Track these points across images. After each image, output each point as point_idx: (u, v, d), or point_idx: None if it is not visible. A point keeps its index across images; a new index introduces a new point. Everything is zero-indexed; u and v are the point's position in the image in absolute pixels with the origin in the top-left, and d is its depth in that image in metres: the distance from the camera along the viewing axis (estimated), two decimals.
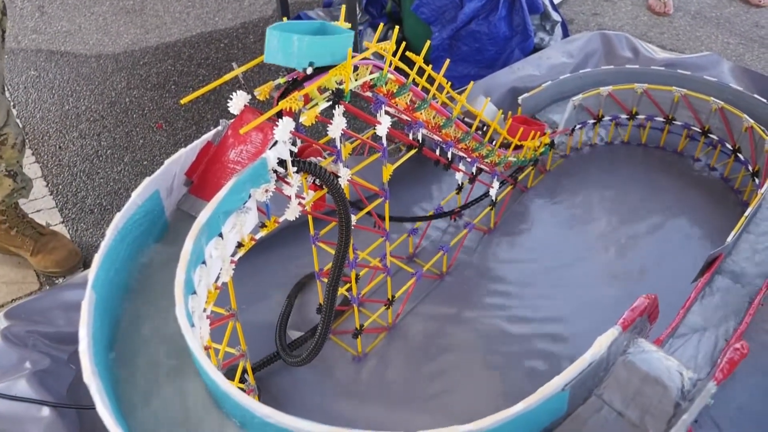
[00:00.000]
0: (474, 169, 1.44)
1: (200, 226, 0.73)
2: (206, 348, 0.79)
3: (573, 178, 1.74)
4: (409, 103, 1.08)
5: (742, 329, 1.16)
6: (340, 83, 0.86)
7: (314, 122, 0.82)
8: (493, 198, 1.52)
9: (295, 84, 0.83)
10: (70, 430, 1.06)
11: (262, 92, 0.87)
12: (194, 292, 0.74)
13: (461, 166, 1.42)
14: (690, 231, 1.57)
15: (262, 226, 0.88)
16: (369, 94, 0.98)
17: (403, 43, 1.01)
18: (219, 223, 0.78)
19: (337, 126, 0.89)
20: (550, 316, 1.37)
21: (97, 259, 0.74)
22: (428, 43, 1.16)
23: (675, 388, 0.87)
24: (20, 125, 1.53)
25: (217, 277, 0.82)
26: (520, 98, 1.72)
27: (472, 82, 1.37)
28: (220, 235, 0.79)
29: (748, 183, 1.59)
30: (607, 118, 1.78)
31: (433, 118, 1.17)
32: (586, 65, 1.98)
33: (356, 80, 0.90)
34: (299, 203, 0.89)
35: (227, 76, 0.83)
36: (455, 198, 1.52)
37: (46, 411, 1.06)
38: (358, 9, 2.36)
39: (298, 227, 1.35)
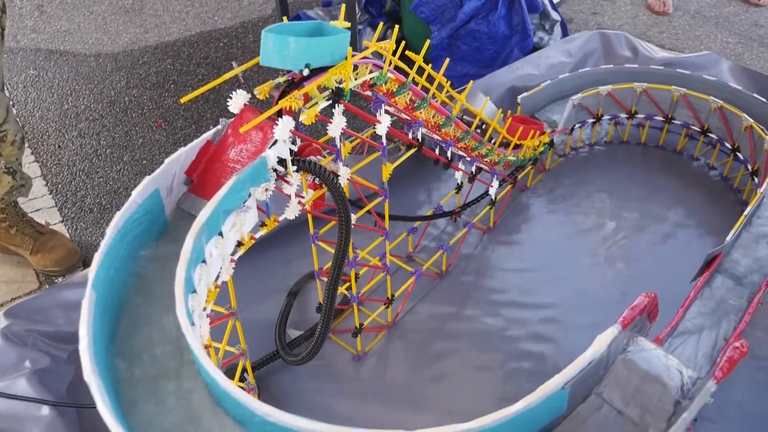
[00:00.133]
0: (473, 168, 1.44)
1: (200, 224, 0.73)
2: (206, 347, 0.79)
3: (572, 178, 1.74)
4: (408, 102, 1.08)
5: (742, 328, 1.16)
6: (340, 82, 0.86)
7: (314, 121, 0.82)
8: (493, 197, 1.52)
9: (295, 83, 0.83)
10: (69, 429, 1.06)
11: (261, 91, 0.87)
12: (194, 291, 0.74)
13: (461, 165, 1.42)
14: (689, 230, 1.57)
15: (262, 224, 0.88)
16: (369, 93, 0.98)
17: (403, 42, 1.01)
18: (219, 221, 0.78)
19: (337, 125, 0.89)
20: (550, 314, 1.37)
21: (97, 257, 0.74)
22: (428, 42, 1.16)
23: (675, 386, 0.87)
24: (19, 123, 1.53)
25: (217, 276, 0.82)
26: (519, 97, 1.72)
27: (471, 81, 1.37)
28: (220, 234, 0.79)
29: (748, 182, 1.59)
30: (606, 117, 1.78)
31: (433, 117, 1.17)
32: (586, 64, 1.99)
33: (356, 79, 0.90)
34: (299, 202, 0.89)
35: (227, 75, 0.83)
36: (455, 197, 1.52)
37: (45, 410, 1.06)
38: (357, 8, 2.36)
39: (297, 226, 1.35)
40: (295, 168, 0.83)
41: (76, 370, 1.18)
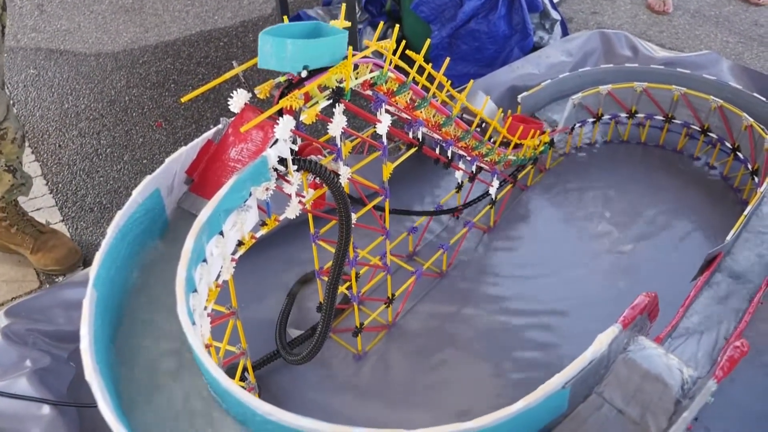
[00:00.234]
0: (474, 168, 1.44)
1: (201, 224, 0.73)
2: (207, 346, 0.79)
3: (572, 177, 1.74)
4: (409, 101, 1.08)
5: (742, 327, 1.16)
6: (341, 81, 0.86)
7: (314, 120, 0.82)
8: (493, 197, 1.52)
9: (296, 82, 0.83)
10: (70, 429, 1.06)
11: (262, 91, 0.87)
12: (195, 290, 0.74)
13: (461, 165, 1.42)
14: (689, 229, 1.57)
15: (263, 224, 0.88)
16: (369, 92, 0.98)
17: (403, 42, 1.01)
18: (220, 221, 0.78)
19: (338, 124, 0.89)
20: (550, 314, 1.37)
21: (98, 257, 0.74)
22: (428, 41, 1.15)
23: (675, 385, 0.87)
24: (20, 121, 1.53)
25: (218, 275, 0.82)
26: (519, 97, 1.72)
27: (471, 81, 1.37)
28: (221, 234, 0.79)
29: (748, 181, 1.59)
30: (606, 116, 1.78)
31: (433, 116, 1.17)
32: (586, 64, 1.99)
33: (356, 78, 0.90)
34: (299, 201, 0.89)
35: (227, 75, 0.83)
36: (455, 196, 1.52)
37: (46, 409, 1.06)
38: (357, 7, 2.36)
39: (298, 226, 1.35)
40: (295, 167, 0.83)
41: (77, 369, 1.18)
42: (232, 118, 0.87)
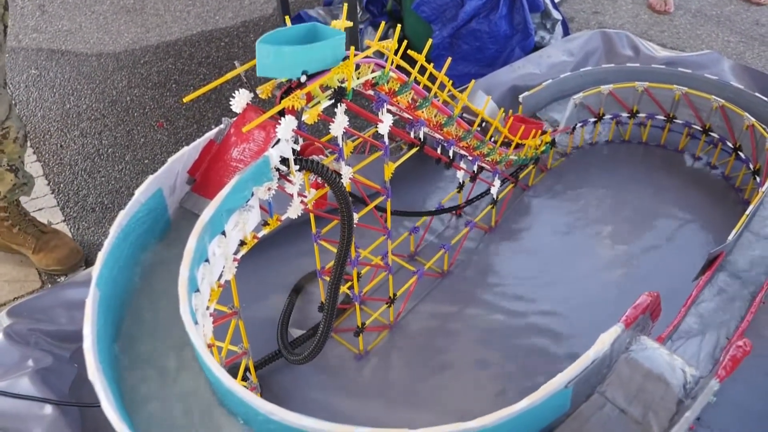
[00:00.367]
0: (475, 168, 1.44)
1: (203, 224, 0.73)
2: (209, 346, 0.79)
3: (574, 177, 1.74)
4: (410, 101, 1.08)
5: (744, 327, 1.16)
6: (343, 81, 0.86)
7: (316, 120, 0.82)
8: (494, 196, 1.52)
9: (295, 87, 0.83)
10: (72, 428, 1.06)
11: (264, 90, 0.87)
12: (197, 290, 0.75)
13: (462, 165, 1.42)
14: (691, 229, 1.57)
15: (265, 224, 0.88)
16: (371, 92, 0.98)
17: (405, 42, 1.01)
18: (222, 221, 0.78)
19: (339, 124, 0.89)
20: (552, 314, 1.37)
21: (100, 256, 0.74)
22: (430, 41, 1.15)
23: (678, 385, 0.87)
24: (22, 121, 1.53)
25: (220, 275, 0.82)
26: (521, 96, 1.72)
27: (473, 81, 1.37)
28: (223, 233, 0.79)
29: (749, 181, 1.59)
30: (607, 116, 1.78)
31: (435, 116, 1.17)
32: (587, 64, 1.98)
33: (358, 78, 0.91)
34: (301, 201, 0.89)
35: (229, 75, 0.83)
36: (456, 196, 1.52)
37: (48, 409, 1.06)
38: (358, 7, 2.36)
39: (300, 225, 1.35)
40: (297, 167, 0.83)
41: (79, 369, 1.18)
42: (234, 118, 0.87)
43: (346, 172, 0.96)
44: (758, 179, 1.53)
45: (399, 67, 1.01)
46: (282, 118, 0.77)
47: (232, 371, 0.94)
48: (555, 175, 1.75)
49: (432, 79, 1.09)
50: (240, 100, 0.83)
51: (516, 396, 0.72)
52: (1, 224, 1.61)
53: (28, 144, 2.02)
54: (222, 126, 0.87)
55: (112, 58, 2.53)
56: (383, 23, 1.10)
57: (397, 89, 1.01)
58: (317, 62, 0.81)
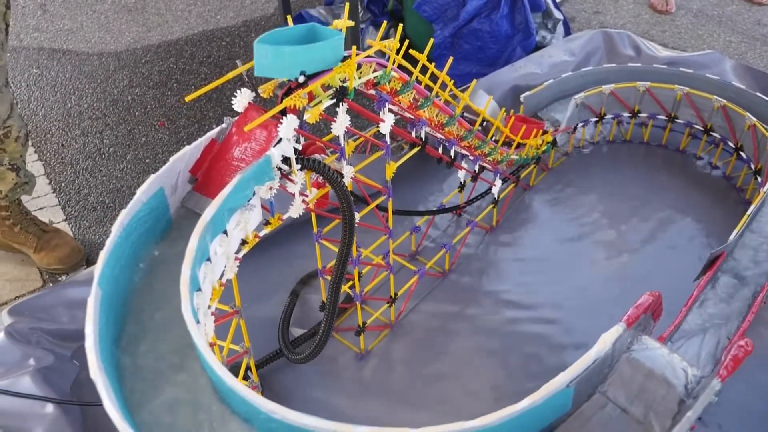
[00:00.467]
0: (476, 167, 1.44)
1: (205, 223, 0.73)
2: (211, 344, 0.79)
3: (575, 176, 1.74)
4: (412, 100, 1.08)
5: (745, 327, 1.16)
6: (344, 81, 0.86)
7: (318, 120, 0.82)
8: (496, 196, 1.52)
9: (294, 87, 0.83)
10: (73, 427, 1.06)
11: (266, 90, 0.87)
12: (199, 289, 0.75)
13: (464, 164, 1.42)
14: (692, 229, 1.57)
15: (266, 223, 0.88)
16: (372, 91, 0.98)
17: (406, 41, 1.01)
18: (223, 220, 0.78)
19: (341, 123, 0.89)
20: (553, 313, 1.37)
21: (102, 255, 0.74)
22: (431, 40, 1.15)
23: (679, 385, 0.87)
24: (23, 120, 1.53)
25: (222, 274, 0.82)
26: (522, 96, 1.72)
27: (474, 80, 1.37)
28: (225, 232, 0.79)
29: (751, 181, 1.59)
30: (609, 116, 1.78)
31: (436, 116, 1.17)
32: (588, 63, 1.98)
33: (360, 78, 0.91)
34: (303, 201, 0.89)
35: (230, 74, 0.83)
36: (457, 196, 1.52)
37: (49, 408, 1.06)
38: (360, 7, 2.36)
39: (301, 225, 1.36)
40: (299, 166, 0.83)
41: (80, 368, 1.19)
42: (236, 118, 0.87)
43: (348, 172, 0.96)
44: (759, 179, 1.53)
45: (400, 67, 1.01)
46: (284, 118, 0.77)
47: (234, 370, 0.94)
48: (556, 175, 1.75)
49: (433, 78, 1.09)
50: (242, 99, 0.83)
51: (517, 395, 0.72)
52: (3, 223, 1.61)
53: (30, 143, 2.02)
54: (224, 125, 0.88)
55: (114, 57, 2.54)
56: (385, 23, 1.10)
57: (398, 89, 1.01)
58: (316, 62, 0.81)
